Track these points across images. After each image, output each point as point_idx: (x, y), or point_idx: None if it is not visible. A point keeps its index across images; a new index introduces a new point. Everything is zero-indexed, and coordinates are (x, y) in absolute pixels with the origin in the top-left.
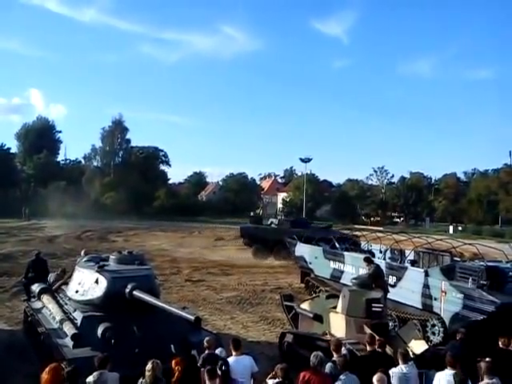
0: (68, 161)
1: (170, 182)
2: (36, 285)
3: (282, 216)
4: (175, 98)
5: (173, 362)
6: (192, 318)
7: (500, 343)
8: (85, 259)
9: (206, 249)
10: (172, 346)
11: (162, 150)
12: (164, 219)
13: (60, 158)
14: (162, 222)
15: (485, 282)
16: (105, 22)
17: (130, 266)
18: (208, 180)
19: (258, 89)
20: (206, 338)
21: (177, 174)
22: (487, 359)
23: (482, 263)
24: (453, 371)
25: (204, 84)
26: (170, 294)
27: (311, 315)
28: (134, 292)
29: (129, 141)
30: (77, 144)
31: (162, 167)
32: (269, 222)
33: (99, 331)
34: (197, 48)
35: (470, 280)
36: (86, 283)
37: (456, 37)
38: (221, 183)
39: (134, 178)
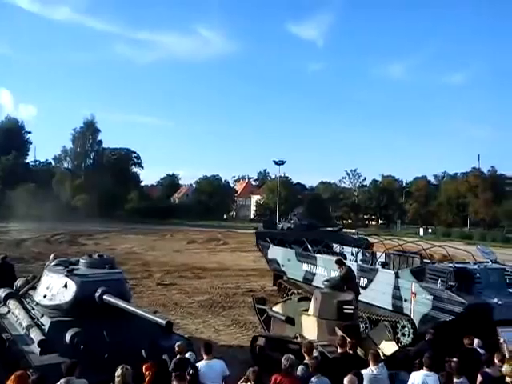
0: (37, 162)
1: (143, 184)
2: (1, 290)
3: (297, 220)
4: (149, 100)
5: (143, 367)
6: (163, 322)
7: (465, 343)
8: (53, 263)
9: (178, 252)
10: (143, 350)
11: (135, 152)
12: (136, 222)
13: (29, 159)
14: (133, 225)
15: (453, 284)
16: (79, 21)
17: (100, 270)
18: (181, 182)
19: (233, 91)
20: (178, 343)
21: (149, 176)
22: (454, 359)
23: (450, 265)
24: (429, 372)
25: (179, 85)
26: (142, 298)
27: (283, 318)
28: (104, 296)
29: (100, 142)
30: (47, 145)
31: (135, 169)
32: (280, 226)
33: (67, 337)
34: (172, 49)
35: (439, 281)
36: (55, 288)
37: (428, 41)
38: (194, 186)
39: (105, 180)
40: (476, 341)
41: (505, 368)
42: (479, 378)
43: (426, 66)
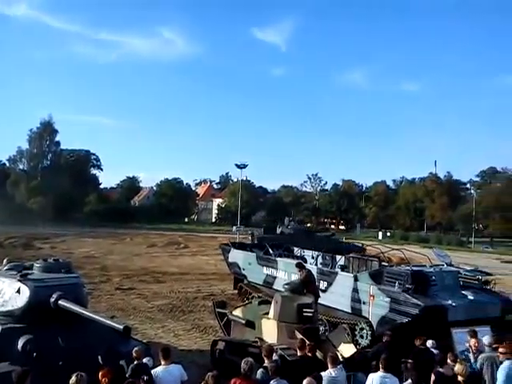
0: None
1: (102, 186)
2: None
3: (295, 224)
4: (110, 101)
5: (99, 373)
6: (121, 327)
7: (417, 343)
8: (6, 267)
9: (137, 256)
10: (99, 356)
11: (94, 154)
12: (95, 225)
13: None
14: (92, 228)
15: (410, 286)
16: (37, 19)
17: (55, 275)
18: (142, 185)
19: (195, 94)
20: (135, 348)
21: (109, 178)
22: (409, 360)
23: (407, 268)
24: (386, 373)
25: (140, 87)
26: (99, 302)
27: (243, 322)
28: (60, 302)
29: (58, 143)
30: (1, 146)
31: (94, 171)
32: (279, 231)
33: (19, 344)
34: (134, 50)
35: (397, 284)
36: (7, 293)
37: (387, 50)
38: (155, 188)
39: (63, 182)
40: (430, 341)
41: (457, 367)
42: (432, 378)
43: (385, 74)
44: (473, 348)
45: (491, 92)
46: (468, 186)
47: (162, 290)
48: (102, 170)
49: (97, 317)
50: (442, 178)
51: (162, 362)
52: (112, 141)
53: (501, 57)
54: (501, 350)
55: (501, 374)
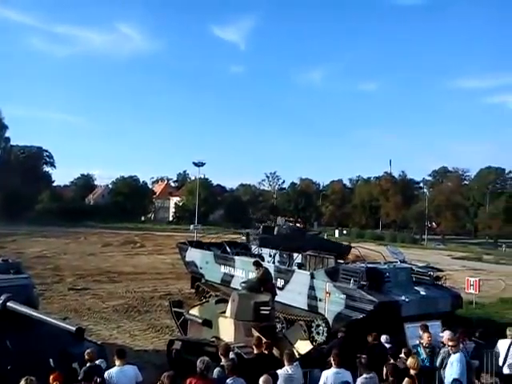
0: None
1: (55, 184)
2: None
3: (291, 224)
4: (65, 96)
5: (51, 377)
6: (73, 328)
7: (369, 340)
8: None
9: (92, 255)
10: (51, 360)
11: (47, 151)
12: (47, 224)
13: None
14: (44, 227)
15: (365, 283)
16: None
17: (4, 276)
18: (97, 183)
19: (153, 90)
20: (87, 350)
21: (62, 175)
22: (364, 356)
23: (362, 265)
24: (339, 369)
25: (97, 82)
26: (51, 304)
27: (200, 321)
28: (8, 303)
29: (8, 139)
30: None
31: (46, 168)
32: (276, 231)
33: None
34: (91, 45)
35: (352, 281)
36: None
37: (345, 50)
38: (110, 186)
39: (13, 180)
40: (384, 336)
41: (409, 361)
42: (385, 371)
43: (344, 74)
44: (425, 342)
45: (446, 94)
46: (421, 185)
47: (117, 290)
48: (55, 167)
49: (48, 318)
50: (397, 178)
51: (117, 363)
52: (66, 137)
53: (457, 60)
54: (450, 343)
55: (455, 366)
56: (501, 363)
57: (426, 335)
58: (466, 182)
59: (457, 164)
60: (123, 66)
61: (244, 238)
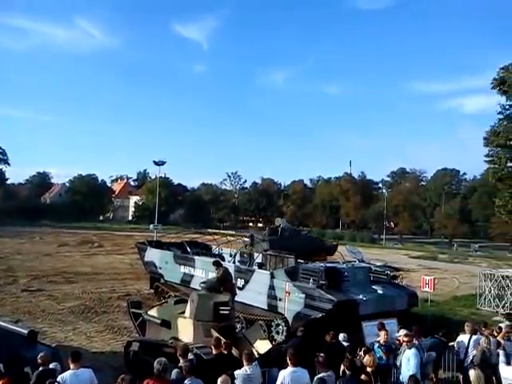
0: None
1: (9, 182)
2: None
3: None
4: (19, 91)
5: (0, 382)
6: (25, 331)
7: (327, 339)
8: None
9: (48, 256)
10: (1, 364)
11: (0, 148)
12: (0, 223)
13: None
14: None
15: (324, 282)
16: None
17: None
18: (53, 181)
19: (113, 87)
20: (40, 354)
21: (17, 173)
22: (322, 354)
23: (321, 264)
24: (296, 368)
25: (54, 77)
26: (3, 306)
27: (159, 321)
28: None
29: None
30: None
31: (0, 166)
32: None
33: None
34: (49, 39)
35: (311, 280)
36: None
37: (307, 53)
38: (68, 185)
39: None
40: (342, 335)
41: (366, 359)
42: (342, 369)
43: (306, 76)
44: (382, 341)
45: (404, 97)
46: (380, 185)
47: (73, 291)
48: (9, 164)
49: None
50: (357, 178)
51: (71, 367)
52: (21, 134)
53: (416, 65)
54: (405, 338)
55: (411, 361)
56: (462, 357)
57: (383, 333)
58: (423, 182)
59: (414, 165)
60: (82, 61)
61: (247, 239)
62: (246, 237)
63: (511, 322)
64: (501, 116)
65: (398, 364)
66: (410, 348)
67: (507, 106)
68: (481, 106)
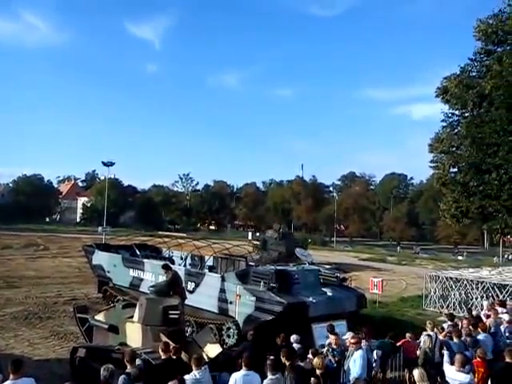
0: None
1: None
2: None
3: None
4: None
5: None
6: None
7: (278, 341)
8: None
9: None
10: None
11: None
12: None
13: None
14: None
15: (274, 285)
16: None
17: None
18: None
19: (59, 84)
20: None
21: None
22: (271, 357)
23: (272, 267)
24: (248, 371)
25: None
26: None
27: (106, 326)
28: None
29: None
30: None
31: None
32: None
33: None
34: None
35: (262, 283)
36: None
37: (260, 56)
38: (11, 185)
39: None
40: (294, 336)
41: (315, 361)
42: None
43: (259, 79)
44: (332, 343)
45: (355, 103)
46: (331, 189)
47: (16, 296)
48: None
49: None
50: (308, 181)
51: (11, 377)
52: None
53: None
54: (352, 340)
55: (358, 362)
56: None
57: (332, 337)
58: (372, 186)
59: (364, 170)
60: (27, 56)
61: (258, 242)
62: (255, 240)
63: (453, 322)
64: (444, 123)
65: (345, 367)
66: (356, 350)
67: (449, 114)
68: (427, 113)
